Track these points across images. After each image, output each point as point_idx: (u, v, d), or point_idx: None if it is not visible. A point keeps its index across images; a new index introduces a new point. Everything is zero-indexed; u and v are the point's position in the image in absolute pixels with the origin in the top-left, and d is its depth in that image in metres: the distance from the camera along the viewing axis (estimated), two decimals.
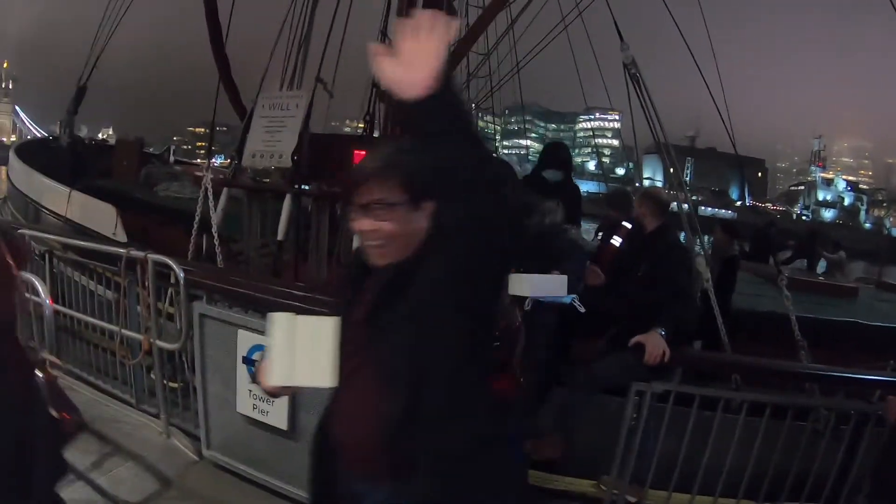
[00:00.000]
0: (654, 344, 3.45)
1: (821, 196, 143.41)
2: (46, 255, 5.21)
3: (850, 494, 3.43)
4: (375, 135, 7.29)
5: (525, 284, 2.75)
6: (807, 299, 8.62)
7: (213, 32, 7.82)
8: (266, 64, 7.64)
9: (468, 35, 8.21)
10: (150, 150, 18.86)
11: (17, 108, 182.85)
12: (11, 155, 14.32)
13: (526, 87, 12.87)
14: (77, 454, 3.92)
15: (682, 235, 5.53)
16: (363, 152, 5.73)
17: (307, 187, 6.60)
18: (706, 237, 7.08)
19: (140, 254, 4.33)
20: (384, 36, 7.35)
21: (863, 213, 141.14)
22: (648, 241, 4.18)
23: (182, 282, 4.00)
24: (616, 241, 5.08)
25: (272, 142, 6.76)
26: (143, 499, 3.62)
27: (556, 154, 5.58)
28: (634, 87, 5.78)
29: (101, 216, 9.05)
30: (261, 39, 7.89)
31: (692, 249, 5.73)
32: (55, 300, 5.09)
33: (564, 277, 2.83)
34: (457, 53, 8.10)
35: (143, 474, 3.84)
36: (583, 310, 2.90)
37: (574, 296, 2.97)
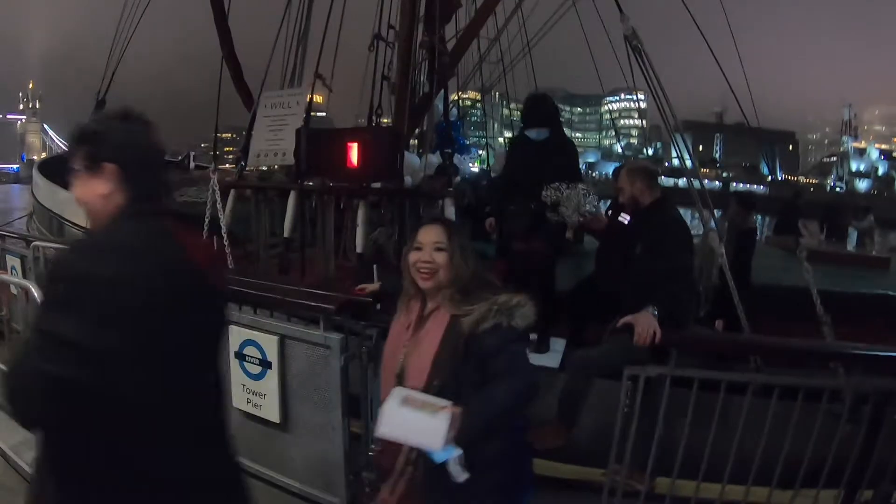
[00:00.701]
0: (645, 324, 3.28)
1: (854, 167, 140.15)
2: None
3: (873, 479, 3.27)
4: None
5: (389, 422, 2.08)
6: (835, 272, 8.39)
7: (223, 37, 7.83)
8: (266, 63, 7.65)
9: (476, 19, 8.12)
10: (179, 157, 19.04)
11: (44, 125, 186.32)
12: (35, 172, 14.60)
13: (548, 73, 12.73)
14: None
15: (688, 213, 5.38)
16: (356, 143, 5.76)
17: (311, 183, 6.53)
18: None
19: None
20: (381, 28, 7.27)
21: None
22: (645, 217, 4.03)
23: None
24: (624, 218, 4.95)
25: (275, 140, 6.77)
26: None
27: (538, 109, 5.31)
28: (637, 61, 5.58)
29: None
30: (260, 40, 7.89)
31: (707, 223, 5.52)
32: None
33: (442, 426, 1.97)
34: (465, 39, 8.02)
35: None
36: (461, 478, 2.16)
37: (454, 454, 2.06)
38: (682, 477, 3.30)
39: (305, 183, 6.54)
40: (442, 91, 7.47)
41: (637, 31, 5.48)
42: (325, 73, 7.18)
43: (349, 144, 5.76)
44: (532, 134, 5.12)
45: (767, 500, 3.27)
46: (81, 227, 10.25)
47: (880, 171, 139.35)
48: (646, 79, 5.52)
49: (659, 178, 4.22)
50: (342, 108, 8.45)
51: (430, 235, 2.39)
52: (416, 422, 2.02)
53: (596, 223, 4.75)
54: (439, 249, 2.34)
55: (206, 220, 7.01)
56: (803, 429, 3.14)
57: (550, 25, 10.35)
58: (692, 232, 4.27)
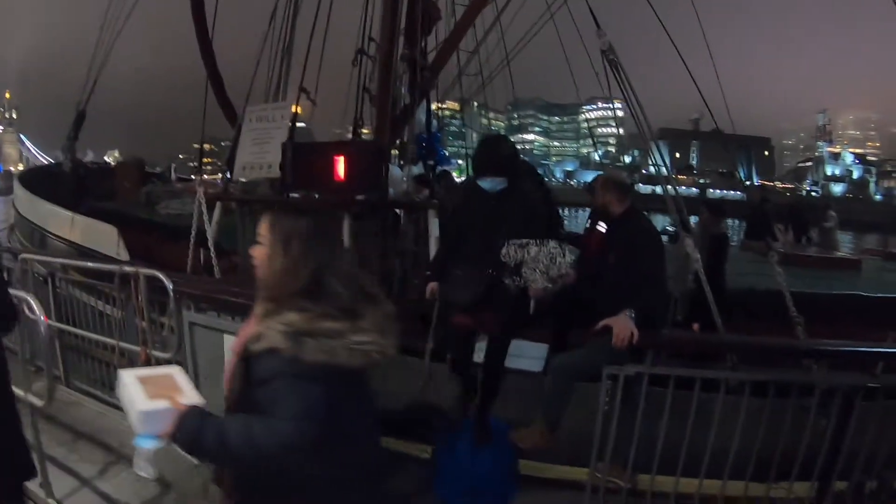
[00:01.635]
0: (622, 326, 3.42)
1: (829, 171, 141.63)
2: (49, 278, 5.31)
3: (844, 471, 3.42)
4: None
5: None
6: (808, 274, 8.59)
7: (205, 51, 7.92)
8: (251, 77, 7.74)
9: (456, 32, 8.24)
10: (157, 169, 18.99)
11: (21, 136, 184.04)
12: (15, 184, 14.56)
13: (526, 83, 12.92)
14: (82, 463, 4.15)
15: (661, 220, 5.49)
16: (342, 156, 5.87)
17: (296, 196, 6.61)
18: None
19: (132, 269, 4.42)
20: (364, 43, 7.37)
21: (872, 185, 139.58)
22: (617, 227, 4.11)
23: (171, 293, 4.08)
24: (602, 227, 5.08)
25: (260, 153, 6.85)
26: (143, 502, 3.77)
27: (490, 155, 4.16)
28: (614, 74, 5.75)
29: (104, 237, 9.21)
30: (244, 52, 7.98)
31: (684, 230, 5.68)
32: (61, 320, 5.23)
33: (143, 412, 1.90)
34: (445, 51, 8.15)
35: (144, 480, 3.92)
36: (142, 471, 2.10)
37: (149, 445, 1.89)
38: (662, 473, 3.44)
39: (290, 195, 6.61)
40: (424, 103, 7.57)
41: (613, 45, 5.65)
42: (309, 87, 7.27)
43: (335, 158, 5.86)
44: (485, 184, 4.07)
45: (744, 493, 3.43)
46: (64, 238, 10.29)
47: (855, 175, 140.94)
48: (622, 91, 5.70)
49: (632, 189, 4.29)
50: (322, 119, 8.53)
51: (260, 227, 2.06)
52: (131, 398, 1.95)
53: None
54: (258, 243, 2.01)
55: (193, 233, 7.11)
56: (776, 424, 3.30)
57: (529, 39, 10.50)
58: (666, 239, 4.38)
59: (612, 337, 3.44)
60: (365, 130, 7.66)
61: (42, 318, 3.75)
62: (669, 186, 5.94)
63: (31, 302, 3.85)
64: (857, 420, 3.36)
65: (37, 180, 13.85)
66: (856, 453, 3.39)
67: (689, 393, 3.35)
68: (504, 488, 3.86)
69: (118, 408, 4.90)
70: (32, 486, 3.68)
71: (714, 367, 3.94)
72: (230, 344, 2.34)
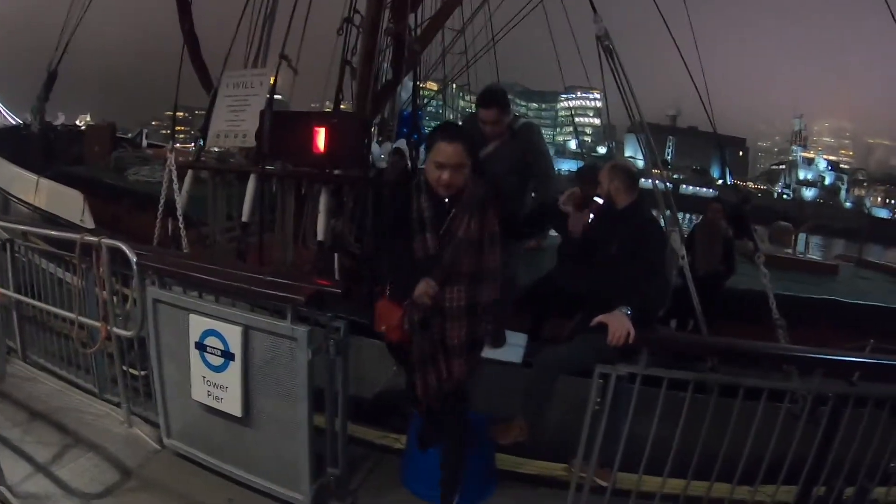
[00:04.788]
0: (618, 324, 3.25)
1: (801, 175, 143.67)
2: (8, 244, 5.05)
3: (828, 477, 3.36)
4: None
5: None
6: (786, 277, 8.60)
7: (182, 11, 7.63)
8: (229, 42, 7.45)
9: (442, 9, 8.05)
10: (128, 135, 18.55)
11: None
12: None
13: (506, 67, 12.76)
14: (37, 446, 3.90)
15: (658, 214, 5.37)
16: (323, 128, 5.65)
17: (272, 167, 6.38)
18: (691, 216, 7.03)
19: (94, 239, 4.18)
20: (351, 12, 7.13)
21: (843, 192, 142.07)
22: (621, 218, 3.94)
23: (135, 266, 3.85)
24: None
25: (236, 121, 6.60)
26: (102, 490, 3.54)
27: None
28: (608, 61, 5.60)
29: (69, 203, 8.92)
30: (225, 16, 7.70)
31: (672, 225, 5.59)
32: (19, 290, 4.96)
33: None
34: (431, 28, 7.96)
35: (102, 465, 3.76)
36: None
37: None
38: (645, 472, 3.34)
39: (266, 167, 6.37)
40: (411, 80, 7.36)
41: (609, 32, 5.51)
42: (290, 56, 7.02)
43: (316, 129, 5.63)
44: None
45: (729, 495, 3.34)
46: (28, 203, 9.95)
47: (827, 181, 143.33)
48: (615, 79, 5.55)
49: (639, 180, 4.14)
50: (298, 91, 8.28)
51: None
52: None
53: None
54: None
55: (162, 202, 6.84)
56: (763, 428, 3.21)
57: (518, 21, 10.35)
58: None
59: (602, 333, 3.28)
60: (343, 105, 7.41)
61: None
62: (659, 181, 5.77)
63: None
64: (841, 427, 3.31)
65: (3, 141, 13.40)
66: (840, 461, 3.33)
67: (674, 393, 3.23)
68: (480, 483, 3.73)
69: (77, 385, 4.71)
70: None
71: (691, 368, 3.82)
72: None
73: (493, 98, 4.92)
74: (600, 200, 4.23)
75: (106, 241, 4.07)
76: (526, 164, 5.02)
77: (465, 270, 3.12)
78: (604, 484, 3.42)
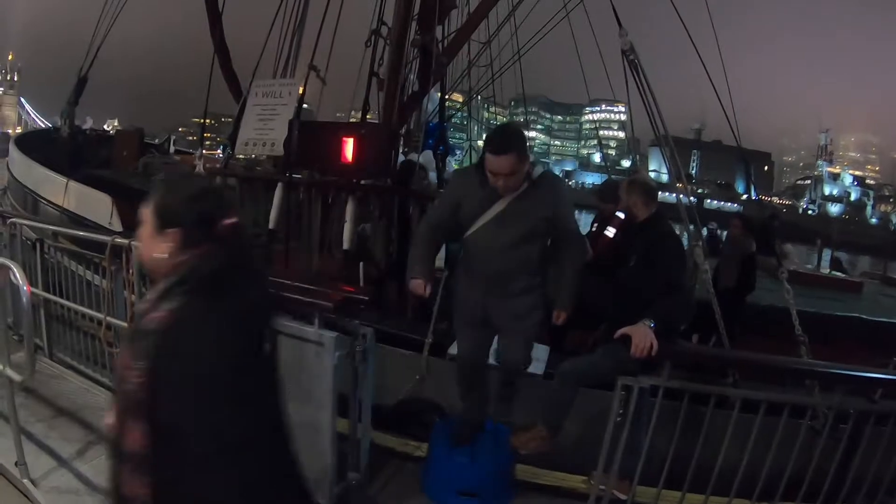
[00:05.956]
0: (642, 336, 3.25)
1: (827, 190, 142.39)
2: (38, 244, 5.14)
3: (848, 494, 3.32)
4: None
5: None
6: (810, 293, 8.54)
7: (213, 22, 7.75)
8: (259, 52, 7.55)
9: (469, 22, 8.12)
10: (156, 141, 18.79)
11: (22, 99, 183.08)
12: (11, 146, 14.34)
13: (531, 80, 12.80)
14: (61, 442, 3.96)
15: (681, 228, 5.35)
16: (351, 138, 5.72)
17: (298, 175, 6.45)
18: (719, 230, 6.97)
19: (124, 241, 4.26)
20: (379, 24, 7.22)
21: (869, 208, 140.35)
22: (640, 231, 3.97)
23: None
24: (610, 231, 4.96)
25: (265, 130, 6.68)
26: None
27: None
28: (633, 75, 5.62)
29: (98, 206, 9.03)
30: (255, 26, 7.82)
31: (695, 239, 5.56)
32: (48, 289, 5.05)
33: None
34: (457, 40, 8.02)
35: None
36: None
37: None
38: (662, 487, 3.34)
39: (293, 175, 6.45)
40: (439, 92, 7.42)
41: (634, 45, 5.52)
42: (319, 66, 7.10)
43: (345, 139, 5.71)
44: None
45: None
46: (57, 205, 10.10)
47: (853, 197, 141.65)
48: (640, 92, 5.57)
49: (657, 194, 4.16)
50: (324, 101, 8.39)
51: None
52: None
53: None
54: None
55: None
56: (784, 443, 3.20)
57: (544, 34, 10.39)
58: None
59: (625, 345, 3.30)
60: (369, 116, 7.49)
61: (24, 286, 3.59)
62: (682, 196, 5.76)
63: (14, 269, 3.62)
64: (862, 444, 3.29)
65: (33, 144, 13.64)
66: (860, 478, 3.30)
67: (695, 407, 3.24)
68: (499, 492, 3.75)
69: (102, 384, 4.78)
70: (8, 464, 3.56)
71: (715, 382, 3.82)
72: None
73: (509, 142, 3.33)
74: (622, 215, 4.25)
75: (137, 242, 4.14)
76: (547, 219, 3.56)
77: None
78: (622, 497, 3.42)
